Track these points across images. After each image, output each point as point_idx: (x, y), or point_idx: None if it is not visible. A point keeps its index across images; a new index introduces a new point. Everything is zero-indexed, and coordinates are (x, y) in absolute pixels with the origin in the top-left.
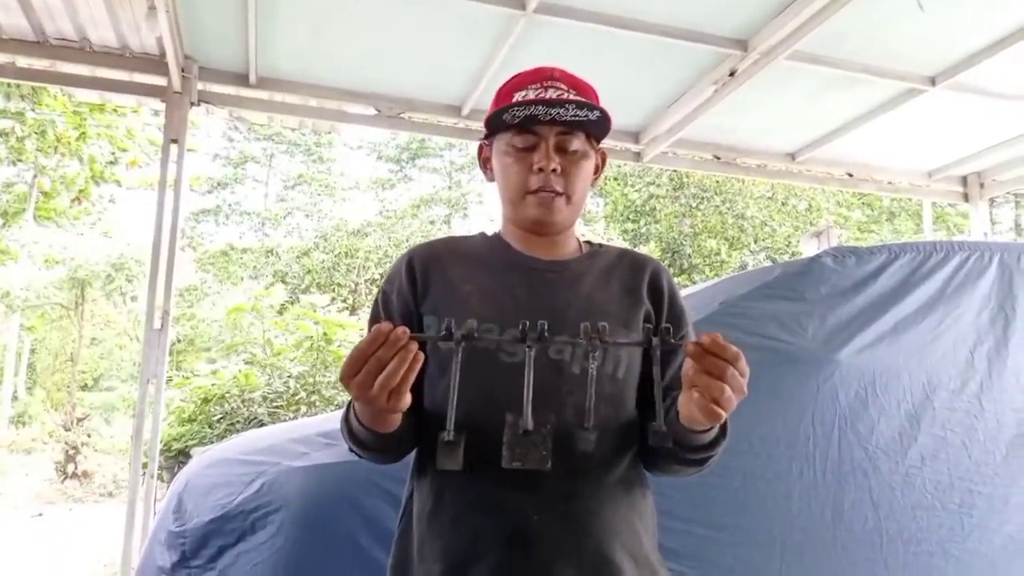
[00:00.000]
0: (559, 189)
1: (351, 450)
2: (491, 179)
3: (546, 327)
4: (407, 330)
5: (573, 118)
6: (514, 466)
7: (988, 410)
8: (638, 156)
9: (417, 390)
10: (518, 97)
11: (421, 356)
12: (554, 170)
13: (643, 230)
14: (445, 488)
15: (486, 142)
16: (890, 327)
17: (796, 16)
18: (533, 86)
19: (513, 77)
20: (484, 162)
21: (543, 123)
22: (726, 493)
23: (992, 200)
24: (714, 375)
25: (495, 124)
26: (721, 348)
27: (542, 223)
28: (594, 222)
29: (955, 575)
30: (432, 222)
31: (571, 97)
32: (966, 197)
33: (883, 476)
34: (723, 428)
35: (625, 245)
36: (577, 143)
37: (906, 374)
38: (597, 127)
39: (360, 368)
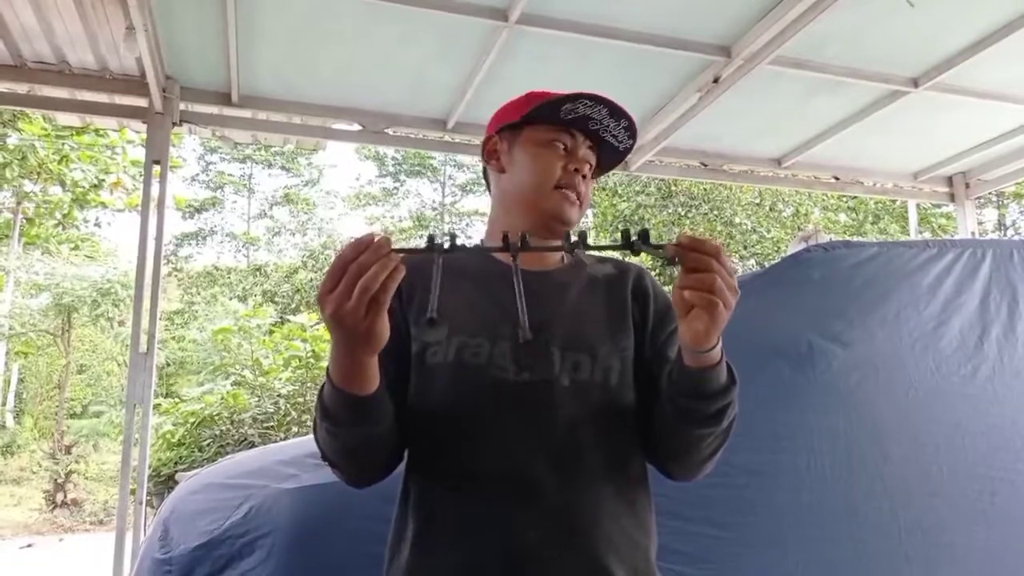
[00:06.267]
0: (582, 189)
1: (323, 457)
2: (500, 170)
3: (528, 239)
4: (390, 240)
5: (619, 143)
6: (523, 377)
7: (1002, 395)
8: (625, 165)
9: (399, 396)
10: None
11: (402, 268)
12: (584, 176)
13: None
14: (437, 507)
15: (496, 136)
16: (889, 315)
17: (778, 21)
18: (586, 100)
19: (539, 91)
20: (489, 154)
21: (583, 131)
22: (732, 492)
23: (978, 200)
24: (702, 269)
25: (539, 114)
26: (700, 242)
27: (561, 219)
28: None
29: (980, 565)
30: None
31: (626, 124)
32: (952, 197)
33: (895, 465)
34: (732, 376)
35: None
36: (593, 160)
37: (912, 362)
38: (609, 160)
39: (339, 281)
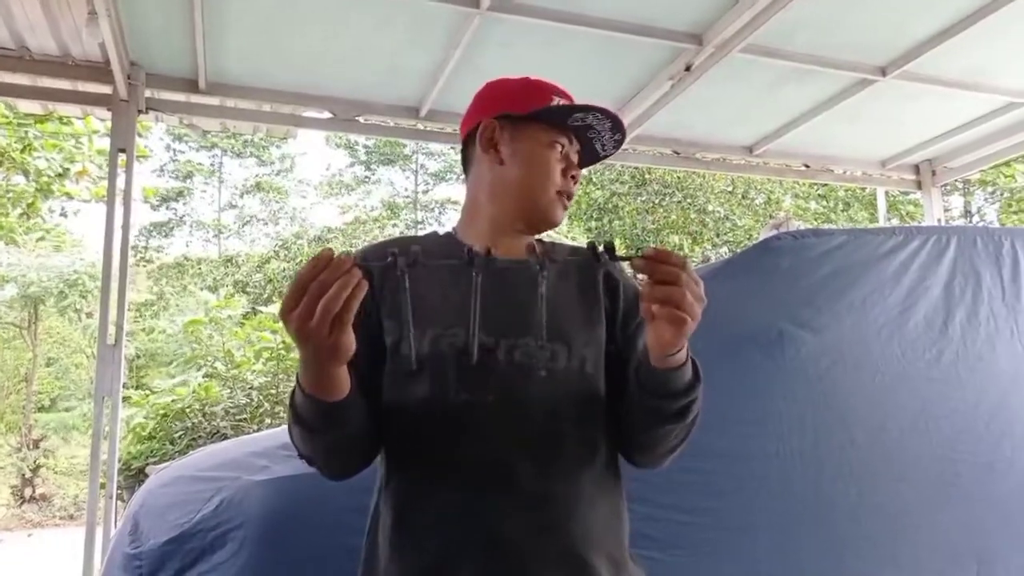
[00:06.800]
0: (573, 197)
1: (299, 455)
2: (499, 161)
3: (491, 253)
4: (350, 255)
5: (601, 147)
6: (462, 398)
7: (965, 378)
8: None
9: (374, 394)
10: (556, 101)
11: (365, 283)
12: (578, 182)
13: (606, 228)
14: (413, 498)
15: (499, 123)
16: (856, 302)
17: (749, 8)
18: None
19: (540, 81)
20: (487, 141)
21: (580, 137)
22: (701, 477)
23: (944, 187)
24: (669, 282)
25: (542, 112)
26: (667, 254)
27: (554, 223)
28: None
29: (943, 545)
30: (402, 232)
31: (617, 137)
32: (919, 185)
33: (862, 450)
34: (696, 372)
35: (576, 243)
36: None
37: (878, 347)
38: (583, 161)
39: (300, 299)
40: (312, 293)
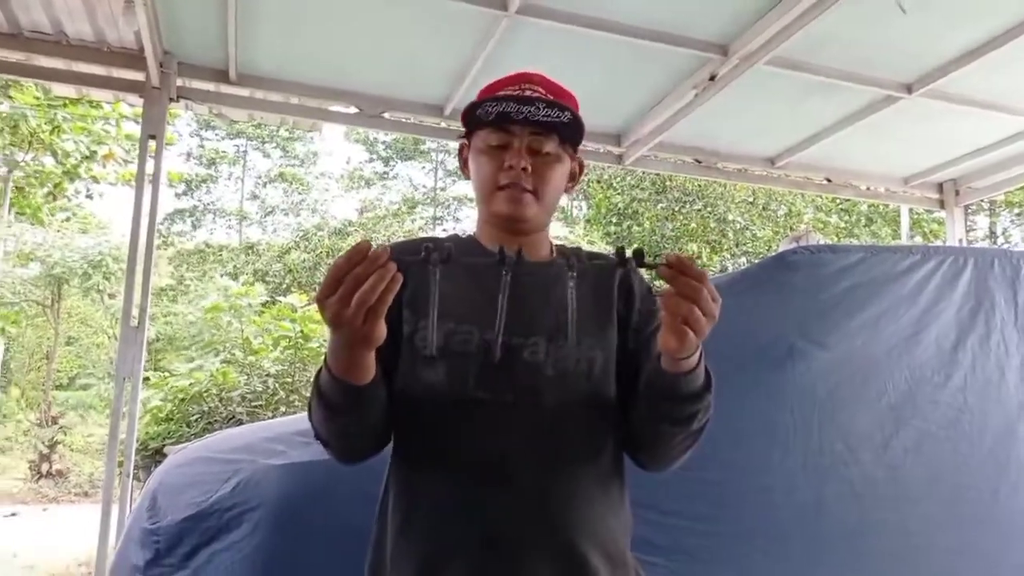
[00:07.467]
0: (528, 187)
1: (316, 436)
2: (468, 177)
3: (521, 253)
4: (387, 248)
5: (544, 118)
6: (478, 395)
7: (973, 404)
8: (619, 159)
9: (388, 375)
10: (487, 105)
11: (400, 277)
12: (524, 169)
13: (625, 233)
14: (419, 489)
15: (465, 142)
16: (869, 321)
17: (776, 22)
18: (511, 88)
19: (494, 81)
20: (463, 162)
21: (516, 122)
22: (706, 486)
23: (967, 207)
24: (685, 295)
25: (471, 121)
26: (686, 266)
27: (512, 218)
28: (577, 224)
29: (944, 568)
30: (421, 227)
31: (544, 98)
32: (942, 204)
33: (866, 468)
34: (707, 382)
35: (599, 250)
36: (550, 146)
37: (887, 367)
38: (570, 131)
39: (337, 287)
40: (349, 284)
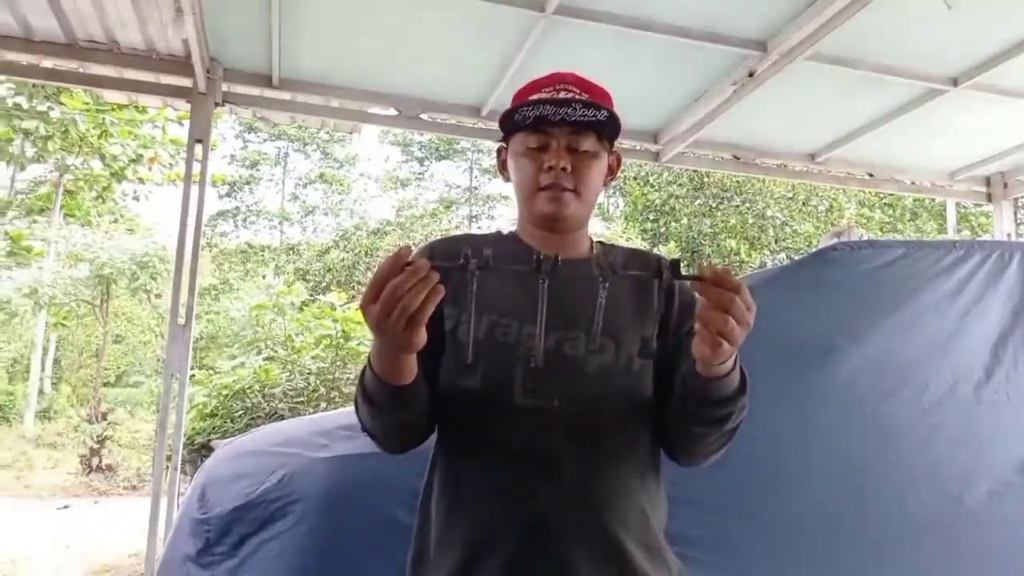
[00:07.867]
0: (569, 186)
1: (363, 428)
2: (508, 180)
3: (558, 260)
4: (429, 251)
5: (582, 118)
6: (525, 402)
7: (1015, 401)
8: (657, 156)
9: (430, 373)
10: (525, 110)
11: (441, 288)
12: (564, 168)
13: (662, 229)
14: (463, 478)
15: (503, 144)
16: (910, 317)
17: (816, 18)
18: (546, 90)
19: (528, 83)
20: (502, 165)
21: (554, 123)
22: (748, 481)
23: (1016, 200)
24: (720, 307)
25: (509, 126)
26: (722, 278)
27: (554, 218)
28: (614, 221)
29: (989, 566)
30: (457, 225)
31: (580, 98)
32: (989, 197)
33: (907, 466)
34: (742, 384)
35: (637, 246)
36: (588, 143)
37: (928, 364)
38: (607, 128)
39: (379, 295)
40: (390, 293)
